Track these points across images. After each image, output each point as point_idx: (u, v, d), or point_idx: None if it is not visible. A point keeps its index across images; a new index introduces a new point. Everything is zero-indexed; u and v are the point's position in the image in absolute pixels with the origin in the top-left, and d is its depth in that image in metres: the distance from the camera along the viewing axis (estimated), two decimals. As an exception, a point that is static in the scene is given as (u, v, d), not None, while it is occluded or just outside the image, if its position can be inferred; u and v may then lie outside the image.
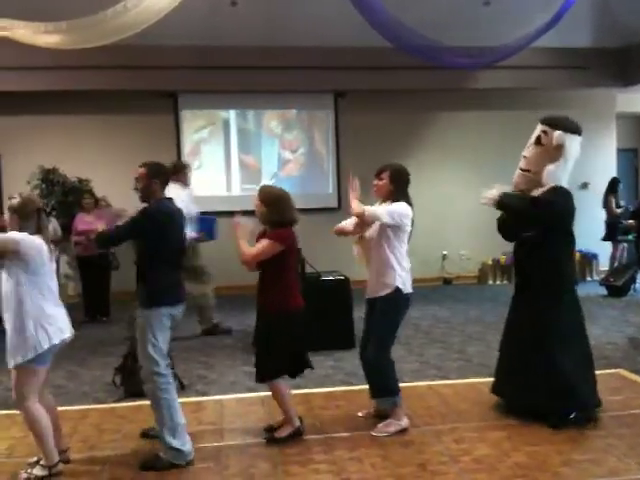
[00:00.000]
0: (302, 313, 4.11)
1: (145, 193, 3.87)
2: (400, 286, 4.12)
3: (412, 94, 10.26)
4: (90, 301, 8.14)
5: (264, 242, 3.97)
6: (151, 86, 9.26)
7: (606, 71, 10.07)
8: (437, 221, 10.50)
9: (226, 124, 10.22)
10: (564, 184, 4.31)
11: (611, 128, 11.17)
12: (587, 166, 10.59)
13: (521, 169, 4.43)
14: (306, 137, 10.43)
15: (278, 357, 4.02)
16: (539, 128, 4.40)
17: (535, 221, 4.27)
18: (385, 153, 9.98)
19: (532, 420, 4.24)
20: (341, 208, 10.24)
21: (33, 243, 3.56)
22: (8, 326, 3.56)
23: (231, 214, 10.20)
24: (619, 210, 10.14)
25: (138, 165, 3.91)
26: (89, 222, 7.95)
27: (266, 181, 9.90)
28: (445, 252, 10.76)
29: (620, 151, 11.53)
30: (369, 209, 4.09)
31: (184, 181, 6.83)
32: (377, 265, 4.17)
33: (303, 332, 4.13)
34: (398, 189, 4.18)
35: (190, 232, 6.40)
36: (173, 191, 6.97)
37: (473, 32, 7.96)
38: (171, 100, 9.91)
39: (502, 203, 4.35)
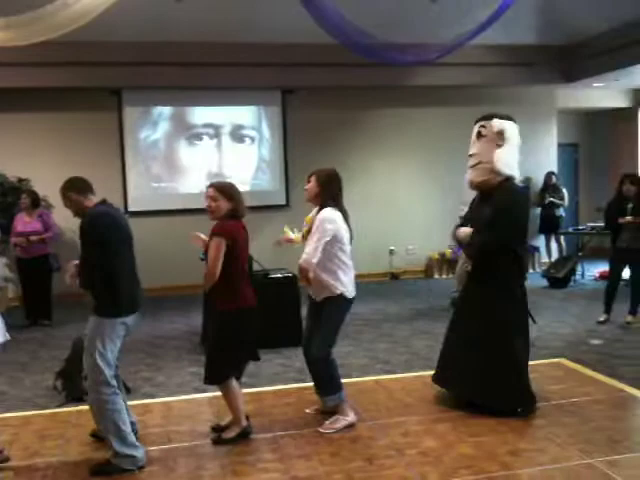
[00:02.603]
0: (254, 311, 4.05)
1: (75, 211, 3.78)
2: (343, 291, 4.13)
3: (359, 91, 10.33)
4: (31, 304, 7.89)
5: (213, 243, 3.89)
6: (94, 83, 9.05)
7: (549, 68, 10.34)
8: (384, 217, 10.61)
9: (171, 121, 10.06)
10: (516, 171, 4.39)
11: (552, 123, 11.46)
12: (529, 161, 10.86)
13: (471, 166, 4.50)
14: (253, 134, 10.35)
15: (229, 357, 3.97)
16: (477, 126, 4.51)
17: (504, 233, 4.28)
18: (332, 150, 10.06)
19: (477, 411, 4.31)
20: (289, 205, 10.24)
21: None
22: None
23: (177, 212, 10.08)
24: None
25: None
26: (28, 223, 7.73)
27: (212, 179, 9.81)
28: (392, 247, 10.86)
29: (561, 146, 11.85)
30: (304, 261, 4.01)
31: None
32: (319, 271, 4.12)
33: (254, 331, 4.07)
34: (326, 193, 4.15)
35: None
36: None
37: (420, 29, 8.04)
38: (115, 97, 9.70)
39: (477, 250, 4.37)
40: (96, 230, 3.63)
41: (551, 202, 10.71)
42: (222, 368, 3.98)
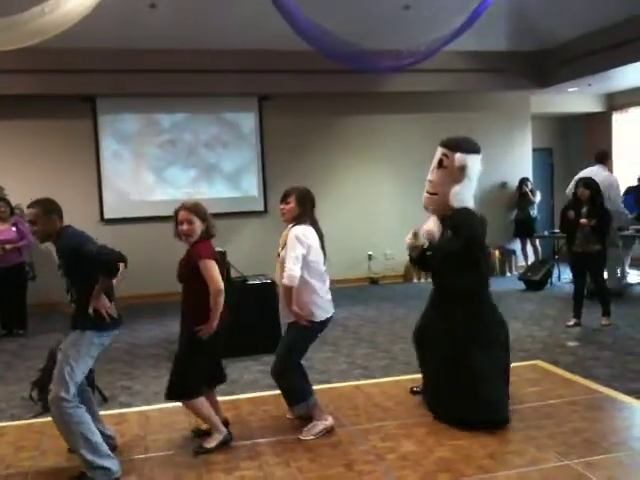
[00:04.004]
0: (225, 327, 3.98)
1: (47, 232, 3.68)
2: (314, 316, 4.07)
3: (335, 97, 10.35)
4: (6, 314, 7.77)
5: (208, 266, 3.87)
6: (68, 90, 8.95)
7: (521, 74, 10.46)
8: (361, 222, 10.64)
9: (146, 128, 9.99)
10: (470, 204, 4.39)
11: (526, 128, 11.59)
12: (505, 166, 11.00)
13: (428, 192, 4.50)
14: (230, 141, 10.32)
15: (195, 374, 3.92)
16: (440, 151, 4.44)
17: (464, 251, 4.27)
18: (309, 156, 10.08)
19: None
20: (267, 212, 10.22)
21: None
22: None
23: (153, 220, 9.99)
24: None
25: (27, 206, 3.72)
26: (3, 231, 7.63)
27: (188, 186, 9.80)
28: (370, 252, 10.88)
29: (536, 150, 11.99)
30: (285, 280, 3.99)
31: (609, 166, 8.76)
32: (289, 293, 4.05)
33: (222, 347, 4.09)
34: (304, 211, 4.14)
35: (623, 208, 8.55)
36: (602, 173, 8.26)
37: (394, 36, 8.07)
38: (89, 104, 9.62)
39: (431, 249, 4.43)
40: (86, 245, 3.59)
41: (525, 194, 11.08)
42: (186, 384, 3.92)
